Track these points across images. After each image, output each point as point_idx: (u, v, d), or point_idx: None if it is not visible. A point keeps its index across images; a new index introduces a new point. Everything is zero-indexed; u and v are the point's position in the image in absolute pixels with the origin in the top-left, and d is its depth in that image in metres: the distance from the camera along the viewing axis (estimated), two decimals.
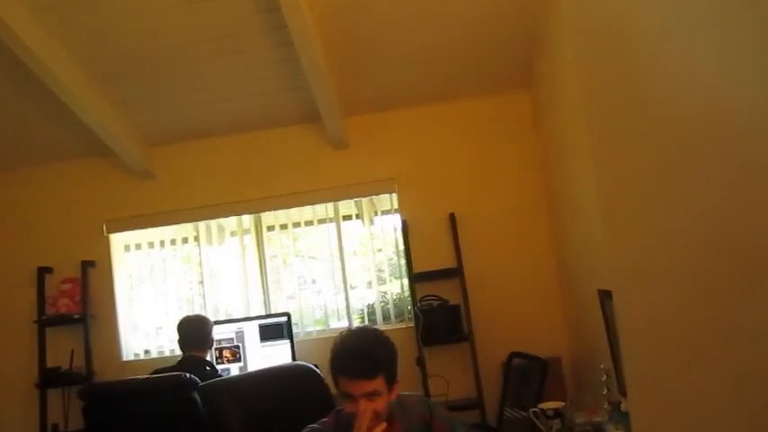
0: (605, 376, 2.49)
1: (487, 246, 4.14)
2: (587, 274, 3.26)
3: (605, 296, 2.35)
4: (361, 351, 1.90)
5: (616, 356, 2.35)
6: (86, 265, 4.32)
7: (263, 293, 4.36)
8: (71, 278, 4.32)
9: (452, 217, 4.11)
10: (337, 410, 2.02)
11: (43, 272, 4.36)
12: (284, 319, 3.94)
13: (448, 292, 4.06)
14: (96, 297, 4.34)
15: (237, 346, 3.90)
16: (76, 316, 4.23)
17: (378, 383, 1.88)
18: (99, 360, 4.25)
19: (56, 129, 4.11)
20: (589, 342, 3.48)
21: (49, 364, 4.24)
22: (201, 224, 4.48)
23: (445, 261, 4.09)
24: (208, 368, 3.26)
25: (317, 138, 4.28)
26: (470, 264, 4.06)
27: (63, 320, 4.25)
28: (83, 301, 4.26)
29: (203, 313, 4.26)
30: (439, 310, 3.97)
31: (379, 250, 4.38)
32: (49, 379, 4.18)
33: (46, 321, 4.27)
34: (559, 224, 3.91)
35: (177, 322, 3.45)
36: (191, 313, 3.80)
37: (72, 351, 4.22)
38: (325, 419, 2.01)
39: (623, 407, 2.27)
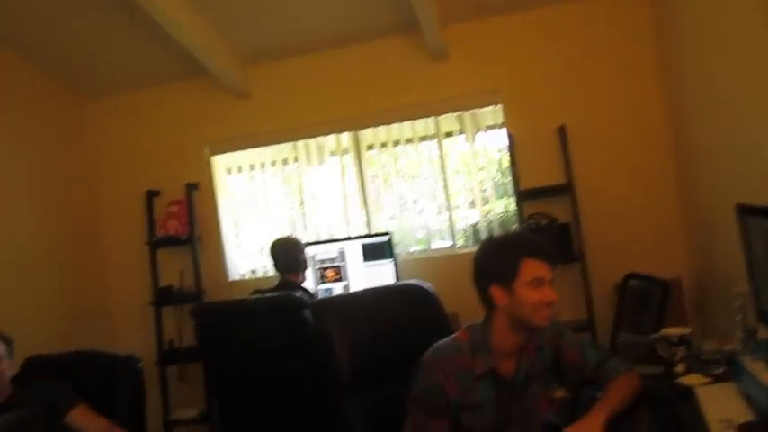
0: (740, 301, 2.23)
1: (601, 159, 3.84)
2: (721, 186, 2.91)
3: (746, 212, 2.05)
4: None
5: (755, 279, 2.08)
6: (191, 187, 4.38)
7: (364, 213, 4.28)
8: (177, 200, 4.40)
9: (562, 129, 3.82)
10: (469, 326, 1.91)
11: (151, 195, 4.47)
12: (386, 238, 3.86)
13: (557, 209, 3.82)
14: (202, 219, 4.41)
15: (339, 266, 3.87)
16: (184, 237, 4.32)
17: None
18: (207, 279, 4.36)
19: (154, 52, 4.10)
20: (718, 263, 3.17)
21: (162, 283, 4.39)
22: (301, 145, 4.41)
23: (554, 177, 3.83)
24: (300, 293, 3.24)
25: (415, 49, 4.05)
26: (582, 179, 3.79)
27: (172, 242, 4.36)
28: (189, 223, 4.34)
29: (304, 234, 4.26)
30: (548, 228, 3.75)
31: (482, 169, 4.16)
32: (163, 297, 4.34)
33: (156, 243, 4.40)
34: (684, 133, 3.54)
35: (270, 246, 3.43)
36: (286, 235, 3.74)
37: (182, 271, 4.35)
38: (456, 335, 1.91)
39: (761, 335, 2.02)
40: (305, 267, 3.47)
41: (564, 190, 3.78)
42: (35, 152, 4.10)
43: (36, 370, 2.60)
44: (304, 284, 3.50)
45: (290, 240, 3.47)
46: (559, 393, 2.00)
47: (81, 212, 4.45)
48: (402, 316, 2.24)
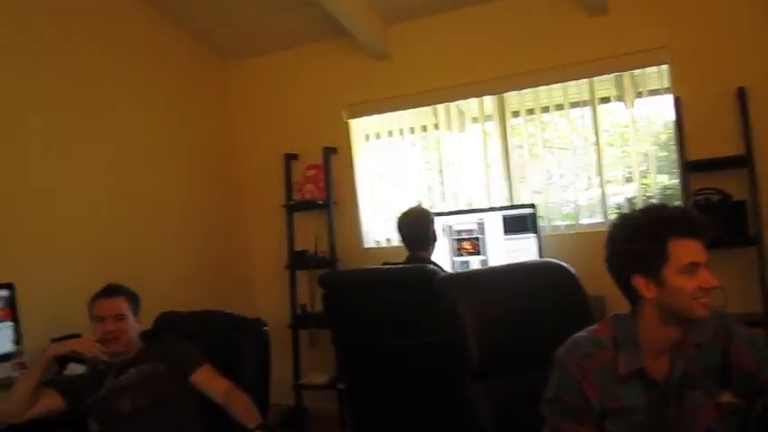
0: None
1: None
2: None
3: None
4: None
5: None
6: (328, 151, 4.31)
7: (507, 184, 3.99)
8: (315, 164, 4.35)
9: (741, 92, 3.30)
10: (613, 317, 1.62)
11: (290, 158, 4.45)
12: (530, 210, 3.55)
13: (730, 185, 3.32)
14: (338, 184, 4.34)
15: (477, 238, 3.62)
16: (320, 202, 4.27)
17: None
18: (342, 246, 4.29)
19: (294, 13, 4.05)
20: None
21: (297, 247, 4.38)
22: (441, 110, 4.20)
23: (728, 147, 3.33)
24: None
25: (570, 2, 3.67)
26: (763, 150, 3.26)
27: (308, 206, 4.33)
28: (326, 188, 4.28)
29: (442, 203, 4.05)
30: (718, 206, 3.27)
31: (641, 139, 3.72)
32: (297, 261, 4.33)
33: (293, 206, 4.39)
34: None
35: (396, 219, 3.25)
36: (414, 206, 3.47)
37: (317, 236, 4.30)
38: (595, 327, 1.62)
39: None
40: (434, 240, 3.24)
41: (740, 162, 3.27)
42: (184, 114, 4.23)
43: (167, 326, 2.62)
44: (434, 258, 3.29)
45: (417, 213, 3.25)
46: (726, 398, 1.63)
47: (224, 173, 4.54)
48: (541, 298, 1.99)
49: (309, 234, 4.36)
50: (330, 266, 4.16)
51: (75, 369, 2.65)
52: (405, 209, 3.33)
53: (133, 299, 2.44)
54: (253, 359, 2.45)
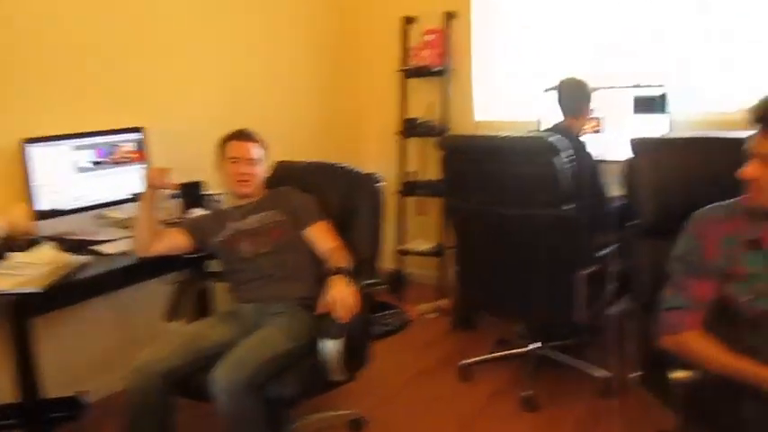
0: None
1: None
2: None
3: None
4: None
5: None
6: (449, 16, 4.11)
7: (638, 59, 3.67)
8: (434, 29, 4.18)
9: None
10: None
11: (408, 22, 4.29)
12: (662, 90, 3.29)
13: None
14: (456, 51, 4.17)
15: (601, 117, 3.42)
16: (437, 69, 4.14)
17: None
18: (454, 116, 4.20)
19: None
20: None
21: (410, 114, 4.32)
22: None
23: None
24: (577, 140, 2.91)
25: None
26: None
27: (424, 72, 4.21)
28: (444, 54, 4.12)
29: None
30: None
31: None
32: (409, 128, 4.28)
33: (409, 72, 4.28)
34: None
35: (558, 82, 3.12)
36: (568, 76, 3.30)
37: (430, 103, 4.21)
38: (741, 197, 1.60)
39: None
40: (586, 113, 3.11)
41: None
42: None
43: (284, 175, 2.68)
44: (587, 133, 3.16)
45: (579, 81, 3.11)
46: None
47: (340, 33, 4.44)
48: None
49: (423, 101, 4.28)
50: (440, 135, 4.09)
51: (196, 213, 2.80)
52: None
53: (264, 146, 2.50)
54: (367, 213, 2.47)
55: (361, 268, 2.32)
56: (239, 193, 2.45)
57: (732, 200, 1.63)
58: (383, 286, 2.55)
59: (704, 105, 3.49)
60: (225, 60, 3.59)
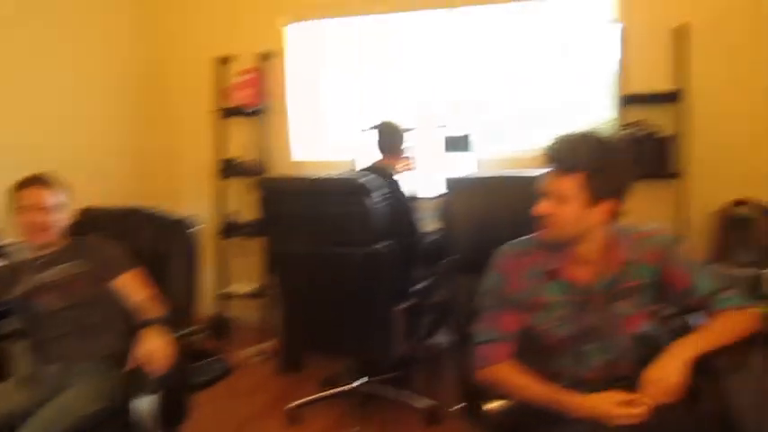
0: None
1: (722, 66, 3.37)
2: None
3: None
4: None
5: None
6: (263, 57, 4.12)
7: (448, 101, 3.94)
8: (248, 70, 4.16)
9: (685, 28, 3.35)
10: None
11: (221, 62, 4.24)
12: (469, 131, 3.54)
13: (660, 120, 3.42)
14: (272, 91, 4.18)
15: (415, 156, 3.59)
16: (253, 109, 4.12)
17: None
18: (272, 156, 4.19)
19: None
20: None
21: (227, 154, 4.23)
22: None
23: (662, 83, 3.41)
24: (392, 179, 3.03)
25: None
26: (698, 88, 3.35)
27: (240, 112, 4.16)
28: (260, 94, 4.12)
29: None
30: (644, 141, 3.35)
31: (579, 66, 3.74)
32: (226, 169, 4.19)
33: (225, 112, 4.21)
34: None
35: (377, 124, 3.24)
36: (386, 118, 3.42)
37: (246, 144, 4.17)
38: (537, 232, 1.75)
39: None
40: (402, 153, 3.23)
41: (672, 98, 3.36)
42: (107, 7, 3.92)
43: (91, 221, 2.49)
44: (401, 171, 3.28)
45: (395, 123, 3.25)
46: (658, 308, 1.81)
47: (151, 73, 4.29)
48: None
49: (241, 141, 4.21)
50: (258, 175, 4.06)
51: None
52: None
53: (63, 191, 2.28)
54: (181, 259, 2.37)
55: (177, 317, 2.20)
56: (35, 243, 2.23)
57: (532, 234, 1.76)
58: (202, 333, 2.44)
59: (507, 145, 3.82)
60: (31, 103, 3.36)
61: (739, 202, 3.00)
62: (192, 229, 2.41)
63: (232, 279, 4.31)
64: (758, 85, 3.34)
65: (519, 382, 1.68)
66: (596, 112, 3.73)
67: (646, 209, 3.25)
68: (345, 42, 4.18)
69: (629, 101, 3.41)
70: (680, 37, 3.36)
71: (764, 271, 2.14)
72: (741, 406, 1.42)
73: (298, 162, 4.25)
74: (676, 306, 1.82)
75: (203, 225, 2.51)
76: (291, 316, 2.94)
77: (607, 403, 1.55)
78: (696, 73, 3.35)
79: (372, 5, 3.95)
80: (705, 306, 1.69)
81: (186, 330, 2.20)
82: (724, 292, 1.68)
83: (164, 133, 4.38)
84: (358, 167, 3.48)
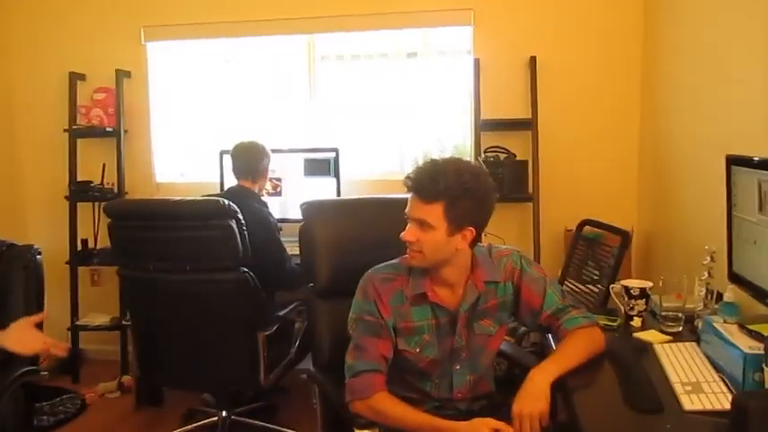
0: (708, 259, 2.08)
1: (569, 97, 3.63)
2: (707, 136, 2.69)
3: (736, 163, 1.85)
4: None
5: (731, 238, 1.92)
6: (121, 74, 3.93)
7: (310, 126, 3.95)
8: (105, 88, 3.95)
9: (533, 61, 3.56)
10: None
11: (75, 78, 3.99)
12: (332, 154, 3.57)
13: (516, 145, 3.61)
14: (131, 111, 3.99)
15: (279, 179, 3.57)
16: (110, 129, 3.90)
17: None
18: (131, 178, 3.98)
19: None
20: (677, 218, 3.04)
21: (81, 177, 3.97)
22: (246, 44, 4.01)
23: (517, 111, 3.60)
24: (254, 202, 2.98)
25: None
26: (546, 116, 3.56)
27: (96, 133, 3.94)
28: (117, 114, 3.91)
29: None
30: (506, 163, 3.53)
31: (440, 94, 3.87)
32: (80, 192, 3.92)
33: (77, 132, 3.96)
34: (658, 77, 3.33)
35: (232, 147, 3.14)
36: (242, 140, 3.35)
37: (104, 165, 3.94)
38: (400, 258, 1.78)
39: (727, 296, 1.88)
40: (264, 176, 3.16)
41: (526, 125, 3.56)
42: None
43: None
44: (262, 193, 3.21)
45: (252, 144, 3.17)
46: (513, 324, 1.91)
47: None
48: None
49: (96, 164, 3.97)
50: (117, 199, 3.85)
51: None
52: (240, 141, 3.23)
53: None
54: (21, 291, 2.19)
55: (15, 355, 2.01)
56: None
57: (398, 258, 1.78)
58: (46, 372, 2.26)
59: (370, 169, 3.87)
60: None
61: (587, 222, 3.19)
62: (34, 258, 2.23)
63: (88, 310, 4.03)
64: (599, 116, 3.62)
65: (395, 412, 1.67)
66: (458, 137, 3.88)
67: (507, 229, 3.47)
68: (210, 63, 4.08)
69: (488, 126, 3.57)
70: (530, 69, 3.57)
71: (612, 286, 2.28)
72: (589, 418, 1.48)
73: (162, 184, 4.08)
74: (528, 325, 1.90)
75: (53, 253, 2.33)
76: (146, 347, 2.78)
77: (481, 429, 1.57)
78: (543, 103, 3.55)
79: (236, 29, 3.89)
80: (553, 324, 1.78)
81: (27, 369, 2.04)
82: (570, 312, 1.77)
83: (7, 155, 4.06)
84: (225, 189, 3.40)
